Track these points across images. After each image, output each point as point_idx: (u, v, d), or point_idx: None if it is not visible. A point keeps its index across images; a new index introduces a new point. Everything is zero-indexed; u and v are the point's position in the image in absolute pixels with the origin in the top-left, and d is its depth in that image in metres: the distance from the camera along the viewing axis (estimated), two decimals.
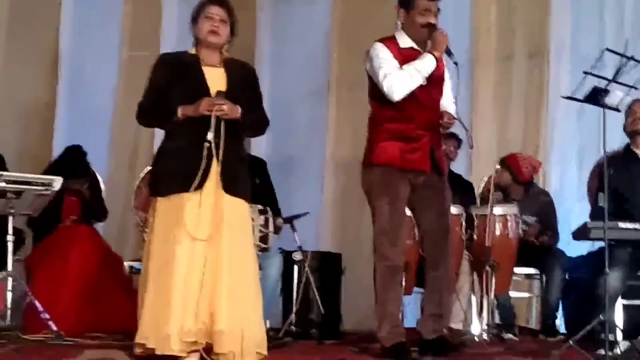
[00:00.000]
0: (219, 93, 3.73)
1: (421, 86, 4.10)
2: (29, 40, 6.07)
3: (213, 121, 3.67)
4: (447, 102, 4.29)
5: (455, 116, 4.22)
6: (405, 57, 4.12)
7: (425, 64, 4.07)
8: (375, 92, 4.17)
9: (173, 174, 3.72)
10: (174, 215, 3.65)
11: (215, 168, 3.69)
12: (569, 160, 6.03)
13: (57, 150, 5.92)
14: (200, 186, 3.66)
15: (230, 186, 3.72)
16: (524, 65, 6.21)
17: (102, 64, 6.61)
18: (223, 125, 3.70)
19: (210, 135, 3.66)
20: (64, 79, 6.22)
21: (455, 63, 4.15)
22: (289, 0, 7.09)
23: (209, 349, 3.58)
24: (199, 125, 3.69)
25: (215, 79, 3.81)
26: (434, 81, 4.18)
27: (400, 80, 4.03)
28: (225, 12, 3.88)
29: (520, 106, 6.17)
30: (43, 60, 6.17)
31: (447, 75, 4.30)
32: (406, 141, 4.11)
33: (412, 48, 4.16)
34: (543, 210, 5.42)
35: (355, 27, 6.69)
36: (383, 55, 4.11)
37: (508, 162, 5.38)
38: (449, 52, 4.14)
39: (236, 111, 3.73)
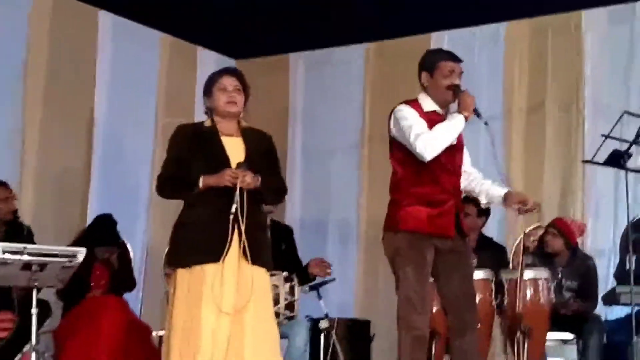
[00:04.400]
0: (239, 164, 3.73)
1: (445, 150, 4.02)
2: (65, 108, 6.09)
3: (237, 193, 3.65)
4: (469, 168, 4.27)
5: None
6: (428, 120, 4.05)
7: (456, 124, 4.01)
8: (399, 155, 4.11)
9: (194, 245, 3.71)
10: (196, 289, 3.63)
11: (238, 239, 3.66)
12: (606, 216, 5.81)
13: (92, 218, 5.94)
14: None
15: (256, 257, 3.69)
16: (557, 119, 6.08)
17: (138, 131, 6.65)
18: (245, 196, 3.68)
19: (234, 207, 3.64)
20: (98, 146, 6.26)
21: (486, 123, 4.09)
22: (322, 60, 7.10)
23: None
24: (220, 196, 3.69)
25: (234, 148, 3.82)
26: (456, 147, 4.13)
27: (432, 140, 3.97)
28: (238, 81, 3.89)
29: (555, 162, 6.03)
30: (78, 127, 6.21)
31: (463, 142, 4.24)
32: (432, 205, 4.04)
33: (435, 112, 4.10)
34: (586, 275, 5.20)
35: (389, 84, 6.65)
36: (411, 117, 4.04)
37: (560, 228, 5.19)
38: (477, 114, 4.06)
39: (257, 181, 3.72)
